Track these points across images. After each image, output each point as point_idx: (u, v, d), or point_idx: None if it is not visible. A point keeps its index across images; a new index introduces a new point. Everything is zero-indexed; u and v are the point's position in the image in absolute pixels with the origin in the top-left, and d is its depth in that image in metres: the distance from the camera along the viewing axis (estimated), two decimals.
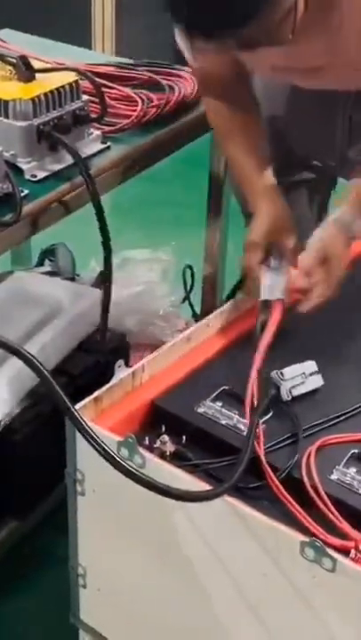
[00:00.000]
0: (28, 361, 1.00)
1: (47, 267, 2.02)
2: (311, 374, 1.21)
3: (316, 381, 1.21)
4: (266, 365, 1.20)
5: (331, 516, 1.03)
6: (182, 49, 1.34)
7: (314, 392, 1.21)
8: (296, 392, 1.19)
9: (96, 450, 0.99)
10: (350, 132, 1.55)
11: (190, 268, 2.08)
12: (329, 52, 1.25)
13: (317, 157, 1.63)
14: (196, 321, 1.42)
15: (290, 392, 1.19)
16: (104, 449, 0.99)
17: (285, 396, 1.18)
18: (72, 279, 1.94)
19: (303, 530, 1.01)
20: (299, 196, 1.66)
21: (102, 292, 1.52)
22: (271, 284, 1.29)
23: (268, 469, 1.08)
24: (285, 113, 1.57)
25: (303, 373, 1.20)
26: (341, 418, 1.18)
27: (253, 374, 1.18)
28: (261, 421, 1.14)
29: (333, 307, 1.35)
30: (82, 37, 3.21)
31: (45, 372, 0.99)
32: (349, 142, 1.57)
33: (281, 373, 1.19)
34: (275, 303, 1.28)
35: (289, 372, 1.19)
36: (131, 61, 1.83)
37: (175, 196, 2.77)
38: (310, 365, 1.21)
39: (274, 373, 1.19)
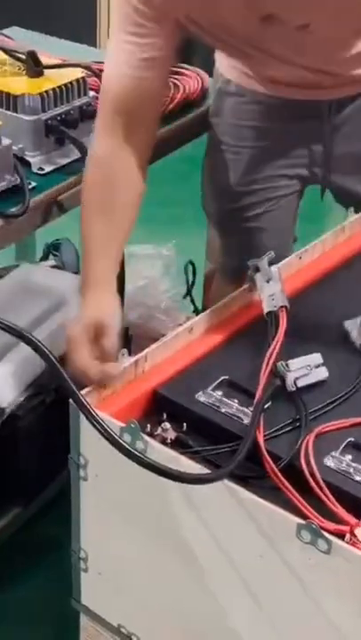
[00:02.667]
0: (34, 346, 1.03)
1: (51, 261, 2.05)
2: (317, 366, 1.23)
3: (322, 373, 1.23)
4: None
5: (327, 501, 1.06)
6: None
7: (319, 383, 1.23)
8: (301, 383, 1.21)
9: (100, 433, 1.02)
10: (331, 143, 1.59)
11: (192, 263, 2.11)
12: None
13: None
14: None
15: (295, 383, 1.21)
16: (108, 432, 1.02)
17: (290, 386, 1.21)
18: (76, 274, 1.97)
19: (300, 515, 1.04)
20: (281, 209, 1.68)
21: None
22: (271, 295, 1.30)
23: (268, 457, 1.11)
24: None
25: (308, 365, 1.22)
26: (342, 400, 1.20)
27: (263, 380, 1.18)
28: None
29: (340, 299, 1.40)
30: (87, 35, 3.24)
31: (52, 357, 1.02)
32: (331, 152, 1.60)
33: (286, 365, 1.21)
34: (280, 310, 1.29)
35: (294, 363, 1.21)
36: None
37: (177, 195, 2.80)
38: (316, 357, 1.24)
39: (279, 364, 1.21)
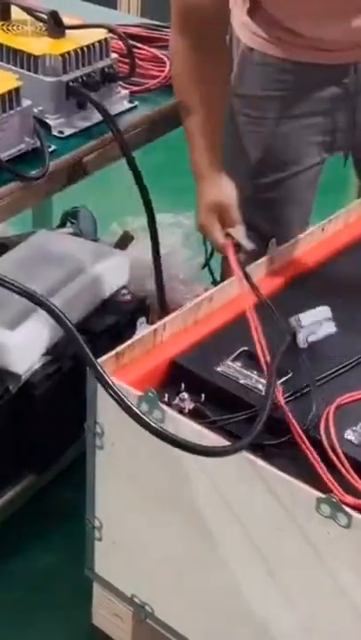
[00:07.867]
0: (52, 313, 1.01)
1: (69, 229, 2.02)
2: (326, 320, 1.21)
3: (330, 327, 1.22)
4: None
5: (347, 475, 1.04)
6: None
7: (328, 342, 1.22)
8: (312, 339, 1.20)
9: (117, 403, 1.01)
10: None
11: None
12: None
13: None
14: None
15: (307, 340, 1.19)
16: (125, 402, 1.00)
17: (302, 343, 1.19)
18: (94, 241, 1.94)
19: (320, 487, 1.02)
20: (302, 178, 1.66)
21: (152, 256, 1.62)
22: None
23: (294, 421, 1.08)
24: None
25: (319, 320, 1.20)
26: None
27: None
28: (280, 381, 1.15)
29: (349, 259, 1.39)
30: None
31: (69, 324, 1.01)
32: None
33: (298, 319, 1.19)
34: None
35: (306, 317, 1.20)
36: (158, 22, 1.82)
37: None
38: (325, 311, 1.22)
39: (292, 319, 1.19)
